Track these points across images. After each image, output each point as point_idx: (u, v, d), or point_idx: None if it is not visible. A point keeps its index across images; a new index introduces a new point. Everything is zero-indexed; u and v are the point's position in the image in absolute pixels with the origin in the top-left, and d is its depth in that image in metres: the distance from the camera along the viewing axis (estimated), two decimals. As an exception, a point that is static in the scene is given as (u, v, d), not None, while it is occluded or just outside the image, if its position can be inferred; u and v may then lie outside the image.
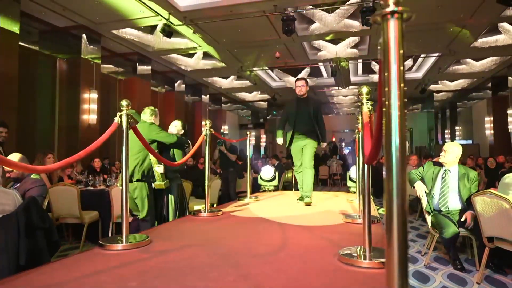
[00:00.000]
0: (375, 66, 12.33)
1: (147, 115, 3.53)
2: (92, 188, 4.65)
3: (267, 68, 12.34)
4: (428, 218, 3.53)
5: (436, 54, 11.19)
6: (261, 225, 2.91)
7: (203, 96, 14.62)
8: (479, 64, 12.12)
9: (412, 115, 18.84)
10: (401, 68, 0.77)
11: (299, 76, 4.77)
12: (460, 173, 3.38)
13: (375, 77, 13.30)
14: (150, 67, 11.03)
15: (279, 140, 4.38)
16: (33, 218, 2.22)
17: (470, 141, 15.89)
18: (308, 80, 4.02)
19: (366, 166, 1.96)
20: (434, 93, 16.25)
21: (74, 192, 3.96)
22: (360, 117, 2.18)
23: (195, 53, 10.83)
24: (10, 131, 6.97)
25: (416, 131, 18.60)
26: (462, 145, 11.90)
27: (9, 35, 6.94)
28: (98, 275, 1.67)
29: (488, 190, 2.81)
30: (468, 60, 11.90)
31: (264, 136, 19.67)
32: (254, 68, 12.20)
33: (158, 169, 3.36)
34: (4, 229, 2.03)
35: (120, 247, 2.07)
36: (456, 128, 17.05)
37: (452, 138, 16.98)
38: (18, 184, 2.70)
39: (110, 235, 4.06)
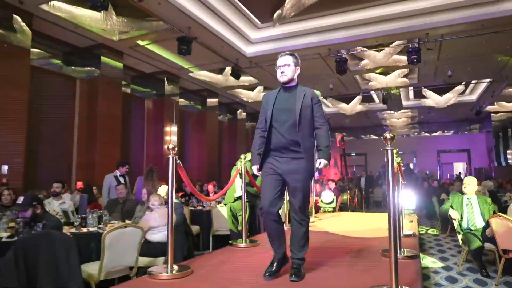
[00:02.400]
0: (426, 92, 13.06)
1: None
2: (192, 208, 6.14)
3: (321, 97, 13.58)
4: (459, 236, 4.53)
5: (487, 80, 11.74)
6: (327, 237, 4.15)
7: (261, 123, 16.17)
8: (536, 86, 12.37)
9: (469, 136, 18.90)
10: (395, 161, 2.03)
11: (283, 53, 2.69)
12: (479, 199, 4.39)
13: (427, 102, 13.98)
14: (217, 100, 12.79)
15: (255, 168, 2.73)
16: (186, 227, 3.67)
17: (534, 162, 15.72)
18: (297, 57, 2.69)
19: (395, 191, 3.15)
20: (492, 114, 16.37)
21: (187, 211, 5.46)
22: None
23: (257, 87, 12.41)
24: (114, 162, 8.80)
25: (475, 152, 18.60)
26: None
27: (115, 84, 8.95)
28: (241, 259, 3.02)
29: (499, 214, 3.82)
30: (524, 82, 12.22)
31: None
32: (309, 98, 13.51)
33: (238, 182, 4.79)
34: (177, 234, 3.48)
35: (243, 246, 3.44)
36: (519, 148, 16.91)
37: (515, 159, 16.83)
38: (166, 206, 4.19)
39: (211, 244, 5.49)
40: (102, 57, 8.61)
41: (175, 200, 4.31)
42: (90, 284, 2.89)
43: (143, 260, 3.42)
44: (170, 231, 2.65)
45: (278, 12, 7.60)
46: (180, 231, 3.57)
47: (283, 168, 2.52)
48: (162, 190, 4.23)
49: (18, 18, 6.85)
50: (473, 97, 14.23)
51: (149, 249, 3.45)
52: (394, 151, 2.04)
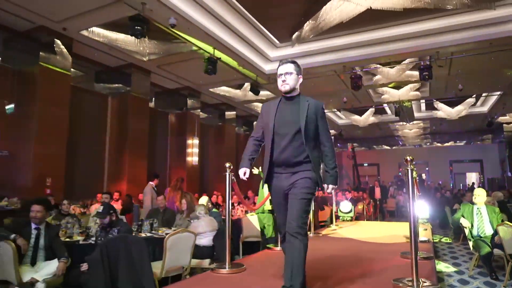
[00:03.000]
0: (438, 104, 13.51)
1: None
2: (222, 217, 6.70)
3: (335, 110, 14.14)
4: (470, 243, 5.00)
5: (498, 93, 12.15)
6: (349, 242, 4.66)
7: (276, 135, 16.78)
8: (547, 97, 12.72)
9: (482, 146, 19.19)
10: (412, 167, 2.56)
11: (285, 60, 2.60)
12: (488, 209, 4.86)
13: (438, 113, 14.39)
14: (234, 113, 13.42)
15: (241, 171, 2.54)
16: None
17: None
18: (299, 64, 2.57)
19: (414, 202, 3.66)
20: (504, 124, 16.68)
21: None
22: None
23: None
24: (141, 174, 9.32)
25: (487, 162, 18.86)
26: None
27: (143, 101, 9.62)
28: (280, 259, 3.55)
29: (506, 222, 4.30)
30: (535, 95, 12.59)
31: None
32: (324, 111, 14.07)
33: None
34: (222, 239, 4.03)
35: (278, 249, 3.97)
36: (532, 159, 17.12)
37: (528, 169, 17.04)
38: (209, 213, 4.76)
39: (240, 249, 6.02)
40: (132, 76, 9.31)
41: (213, 210, 4.89)
42: (154, 280, 3.44)
43: (192, 261, 3.96)
44: (228, 236, 3.19)
45: (297, 33, 8.20)
46: (224, 236, 4.13)
47: (284, 184, 2.42)
48: (203, 200, 4.80)
49: (59, 42, 7.57)
50: (485, 108, 14.62)
51: (197, 252, 4.00)
52: (414, 170, 2.56)
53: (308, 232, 5.17)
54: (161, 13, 6.68)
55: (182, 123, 11.28)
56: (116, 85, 9.48)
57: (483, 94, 12.70)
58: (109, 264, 3.03)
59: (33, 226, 3.28)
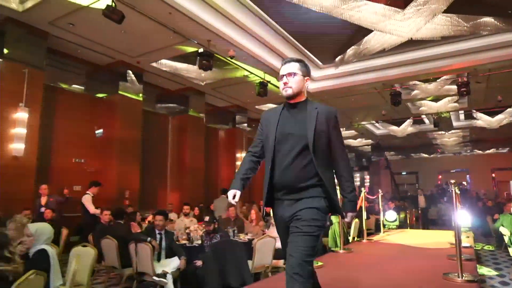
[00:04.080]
0: (477, 114, 13.90)
1: None
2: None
3: (374, 121, 14.84)
4: (510, 250, 5.69)
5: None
6: (398, 247, 5.48)
7: (314, 145, 17.64)
8: None
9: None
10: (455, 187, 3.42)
11: (288, 59, 2.16)
12: (525, 218, 5.57)
13: (478, 122, 14.76)
14: (276, 127, 14.40)
15: (231, 194, 2.10)
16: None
17: None
18: (306, 64, 2.21)
19: (458, 211, 4.46)
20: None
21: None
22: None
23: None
24: (199, 185, 10.43)
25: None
26: None
27: (198, 119, 10.81)
28: (355, 254, 4.46)
29: (539, 229, 5.00)
30: None
31: (368, 177, 21.80)
32: (363, 122, 14.83)
33: None
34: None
35: (342, 251, 4.87)
36: None
37: None
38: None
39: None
40: (189, 98, 10.54)
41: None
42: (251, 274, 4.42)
43: (270, 262, 4.93)
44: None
45: (340, 57, 9.11)
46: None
47: (286, 214, 2.02)
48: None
49: (132, 73, 8.85)
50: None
51: (274, 253, 4.96)
52: (456, 188, 3.41)
53: (360, 239, 6.06)
54: (223, 47, 7.78)
55: (231, 137, 12.42)
56: (175, 105, 10.73)
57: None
58: (218, 259, 4.05)
59: (157, 231, 4.38)
